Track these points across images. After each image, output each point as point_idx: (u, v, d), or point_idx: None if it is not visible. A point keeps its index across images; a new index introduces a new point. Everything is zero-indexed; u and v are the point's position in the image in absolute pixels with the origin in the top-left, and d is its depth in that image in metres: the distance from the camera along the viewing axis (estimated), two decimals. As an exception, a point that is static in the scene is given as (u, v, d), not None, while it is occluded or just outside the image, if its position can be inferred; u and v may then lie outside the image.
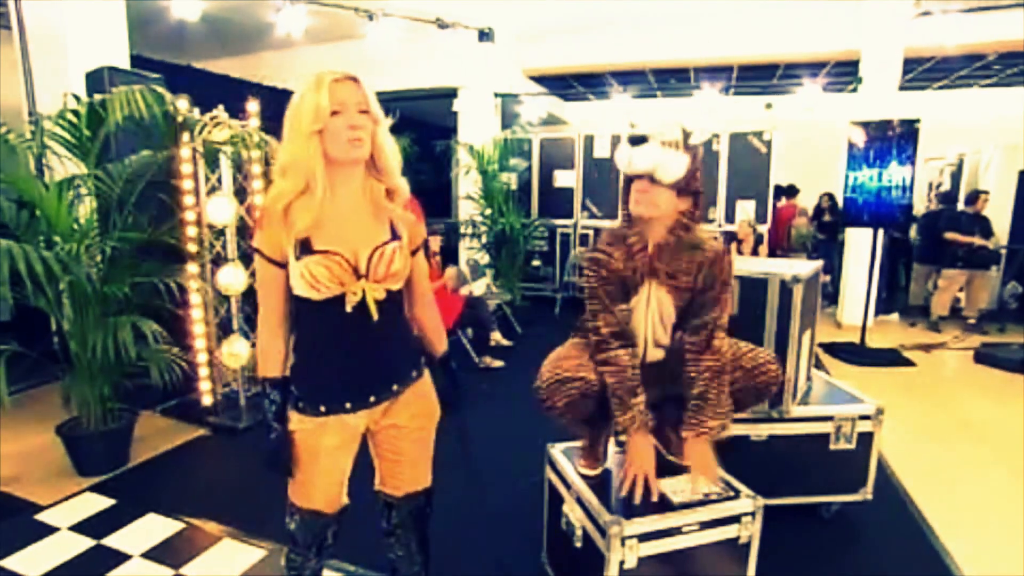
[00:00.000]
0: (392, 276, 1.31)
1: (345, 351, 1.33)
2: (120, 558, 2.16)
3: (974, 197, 6.11)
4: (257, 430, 3.23)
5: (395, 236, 1.32)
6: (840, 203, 5.43)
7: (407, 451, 1.47)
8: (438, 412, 1.51)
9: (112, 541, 2.26)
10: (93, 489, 2.65)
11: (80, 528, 2.35)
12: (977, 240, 5.81)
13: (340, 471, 1.43)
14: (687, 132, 1.64)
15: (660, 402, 1.86)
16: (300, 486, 1.42)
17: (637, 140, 1.62)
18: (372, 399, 1.37)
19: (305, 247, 1.24)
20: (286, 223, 1.24)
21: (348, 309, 1.27)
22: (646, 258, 1.67)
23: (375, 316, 1.29)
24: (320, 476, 1.40)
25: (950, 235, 5.88)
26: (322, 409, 1.34)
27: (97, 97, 2.74)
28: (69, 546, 2.23)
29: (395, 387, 1.39)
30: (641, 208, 1.62)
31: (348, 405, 1.35)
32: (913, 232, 6.89)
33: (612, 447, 1.94)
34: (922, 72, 7.13)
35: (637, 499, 1.59)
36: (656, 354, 1.79)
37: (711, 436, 1.68)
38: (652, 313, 1.72)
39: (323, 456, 1.37)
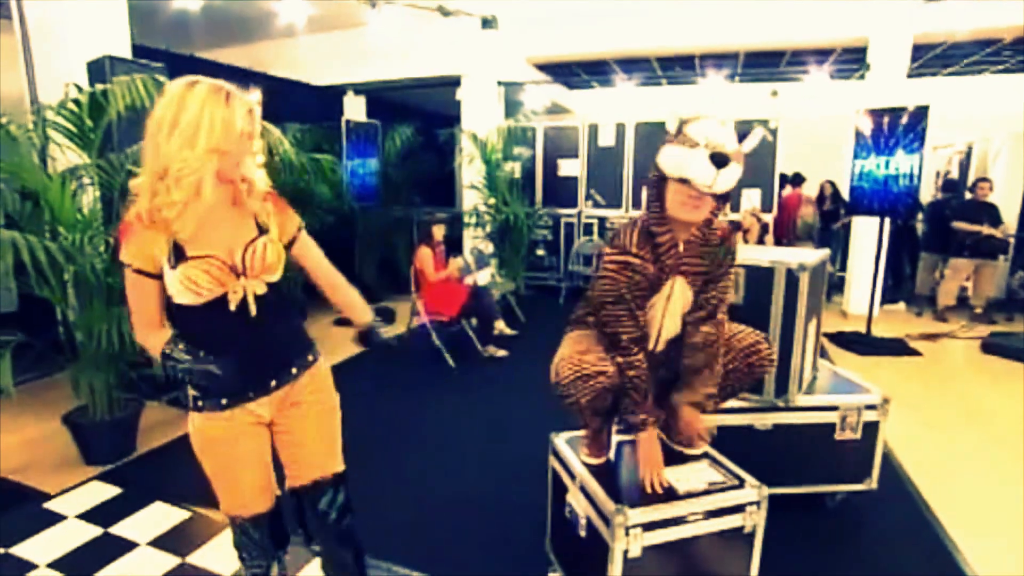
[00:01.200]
0: (268, 269, 1.33)
1: (236, 348, 1.32)
2: (127, 546, 2.18)
3: (974, 185, 6.05)
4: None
5: (261, 231, 1.34)
6: (845, 191, 5.38)
7: (309, 430, 1.44)
8: (336, 397, 1.51)
9: (119, 529, 2.28)
10: (100, 478, 2.67)
11: (87, 516, 2.37)
12: (985, 229, 5.75)
13: (262, 462, 1.43)
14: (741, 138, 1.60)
15: (662, 389, 1.85)
16: (231, 495, 1.42)
17: (722, 161, 1.50)
18: (273, 383, 1.38)
19: (179, 255, 1.24)
20: (161, 230, 1.22)
21: (232, 308, 1.29)
22: (676, 256, 1.65)
23: (253, 311, 1.31)
24: (246, 474, 1.40)
25: (958, 224, 5.82)
26: (224, 402, 1.34)
27: (99, 87, 2.73)
28: (77, 534, 2.25)
29: (293, 370, 1.41)
30: (692, 215, 1.58)
31: (251, 394, 1.36)
32: (920, 221, 6.84)
33: (615, 436, 1.94)
34: (931, 58, 7.01)
35: (658, 488, 1.63)
36: (665, 342, 1.78)
37: (703, 406, 1.75)
38: (672, 306, 1.70)
39: (241, 449, 1.37)
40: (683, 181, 1.54)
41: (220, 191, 1.29)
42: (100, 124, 2.75)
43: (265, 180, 1.38)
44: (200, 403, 1.34)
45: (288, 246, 1.41)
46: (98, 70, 3.28)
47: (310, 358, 1.45)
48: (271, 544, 1.49)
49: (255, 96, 1.32)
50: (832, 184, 7.46)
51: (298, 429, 1.44)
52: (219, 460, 1.38)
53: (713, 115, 1.61)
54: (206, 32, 6.41)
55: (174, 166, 1.19)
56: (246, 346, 1.34)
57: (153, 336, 1.32)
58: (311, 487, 1.46)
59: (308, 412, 1.44)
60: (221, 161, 1.23)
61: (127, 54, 3.80)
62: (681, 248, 1.65)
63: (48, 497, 2.51)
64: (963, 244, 5.83)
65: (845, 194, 7.29)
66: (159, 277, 1.26)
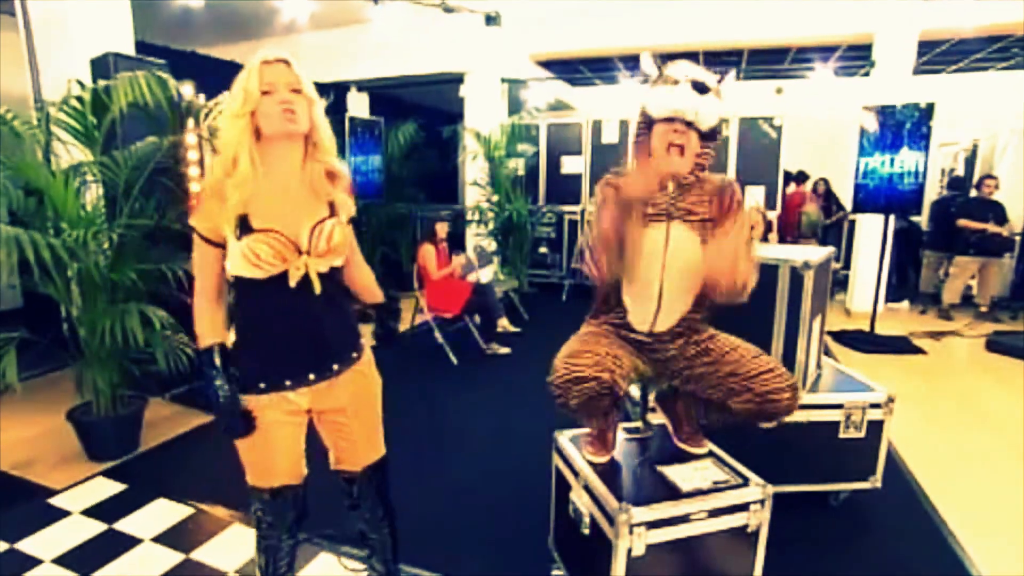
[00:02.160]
0: (333, 251, 1.34)
1: (287, 327, 1.35)
2: (131, 542, 2.18)
3: (980, 182, 6.02)
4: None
5: (333, 213, 1.36)
6: (848, 188, 5.35)
7: (357, 430, 1.50)
8: (379, 383, 1.55)
9: (123, 525, 2.29)
10: (104, 474, 2.68)
11: (92, 512, 2.37)
12: (991, 227, 5.72)
13: (294, 441, 1.44)
14: (719, 80, 1.65)
15: (673, 388, 1.84)
16: (258, 467, 1.43)
17: (703, 88, 1.57)
18: (312, 376, 1.38)
19: (244, 226, 1.26)
20: (221, 202, 1.26)
21: (292, 284, 1.30)
22: (667, 198, 1.66)
23: (318, 289, 1.32)
24: (276, 450, 1.41)
25: (963, 222, 5.79)
26: (262, 386, 1.35)
27: (101, 83, 2.73)
28: (81, 530, 2.26)
29: (334, 367, 1.41)
30: (679, 162, 1.61)
31: (288, 383, 1.37)
32: (924, 218, 6.80)
33: (620, 435, 1.94)
34: (937, 55, 6.97)
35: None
36: (669, 316, 1.73)
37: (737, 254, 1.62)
38: (672, 256, 1.67)
39: (273, 430, 1.38)
40: (669, 120, 1.60)
41: (289, 167, 1.32)
42: (103, 121, 2.75)
43: (344, 168, 1.41)
44: (240, 382, 1.35)
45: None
46: (101, 67, 3.29)
47: (354, 355, 1.45)
48: (287, 519, 1.50)
49: (274, 53, 1.29)
50: (825, 181, 7.43)
51: (346, 431, 1.48)
52: (251, 439, 1.38)
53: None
54: (209, 29, 6.42)
55: (218, 143, 1.31)
56: (298, 327, 1.35)
57: (213, 317, 1.35)
58: (362, 473, 1.54)
59: (353, 417, 1.47)
60: (258, 123, 1.27)
61: (130, 51, 3.80)
62: (671, 188, 1.66)
63: (52, 493, 2.52)
64: (968, 242, 5.80)
65: (838, 191, 7.30)
66: (221, 246, 1.30)
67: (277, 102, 1.25)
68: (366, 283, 1.56)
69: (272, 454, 1.41)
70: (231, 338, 1.38)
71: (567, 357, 1.69)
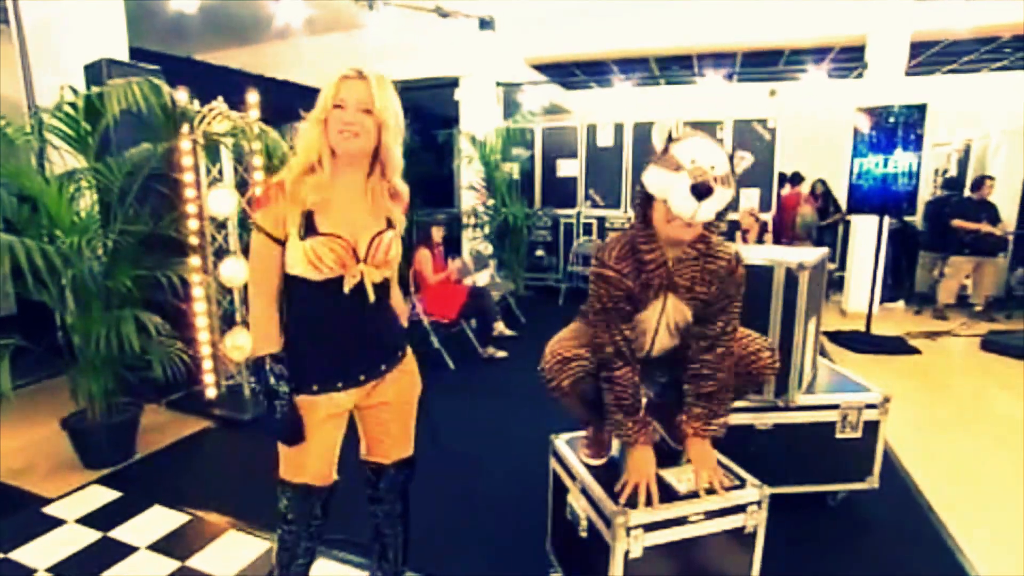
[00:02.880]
0: (388, 263, 1.41)
1: (340, 332, 1.40)
2: (126, 550, 2.17)
3: (979, 183, 6.04)
4: (260, 422, 3.24)
5: (390, 226, 1.43)
6: (842, 189, 5.38)
7: (394, 424, 1.56)
8: (420, 386, 1.61)
9: (118, 533, 2.27)
10: (99, 482, 2.66)
11: (86, 521, 2.36)
12: (984, 227, 5.75)
13: (331, 445, 1.48)
14: (733, 157, 1.55)
15: (668, 389, 1.85)
16: (292, 462, 1.45)
17: (704, 192, 1.43)
18: (362, 378, 1.45)
19: (310, 228, 1.31)
20: (293, 199, 1.31)
21: (346, 290, 1.34)
22: (665, 273, 1.60)
23: (371, 298, 1.38)
24: (312, 451, 1.43)
25: (957, 222, 5.82)
26: (314, 388, 1.39)
27: (94, 90, 2.72)
28: (76, 539, 2.24)
29: (383, 367, 1.48)
30: (680, 233, 1.51)
31: (339, 384, 1.41)
32: (919, 219, 6.83)
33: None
34: (930, 56, 7.02)
35: (641, 501, 1.55)
36: (660, 352, 1.76)
37: (715, 435, 1.69)
38: (665, 321, 1.68)
39: (315, 431, 1.41)
40: (650, 196, 1.53)
41: (354, 180, 1.37)
42: (97, 127, 2.74)
43: (406, 191, 1.48)
44: (293, 383, 1.37)
45: None
46: (95, 73, 3.28)
47: (400, 355, 1.53)
48: (311, 517, 1.51)
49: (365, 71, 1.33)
50: (823, 183, 7.46)
51: (386, 424, 1.55)
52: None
53: (703, 135, 1.54)
54: (204, 34, 6.42)
55: (298, 142, 1.36)
56: (349, 332, 1.41)
57: (271, 320, 1.37)
58: (391, 466, 1.61)
59: (394, 411, 1.55)
60: (326, 132, 1.31)
61: (125, 57, 3.79)
62: (671, 264, 1.60)
63: (47, 501, 2.50)
64: (963, 242, 5.83)
65: (836, 192, 7.32)
66: (283, 243, 1.33)
67: (341, 120, 1.30)
68: (397, 303, 1.58)
69: (308, 451, 1.43)
70: (281, 341, 1.40)
71: (553, 343, 1.77)
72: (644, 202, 1.57)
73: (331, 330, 1.40)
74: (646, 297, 1.63)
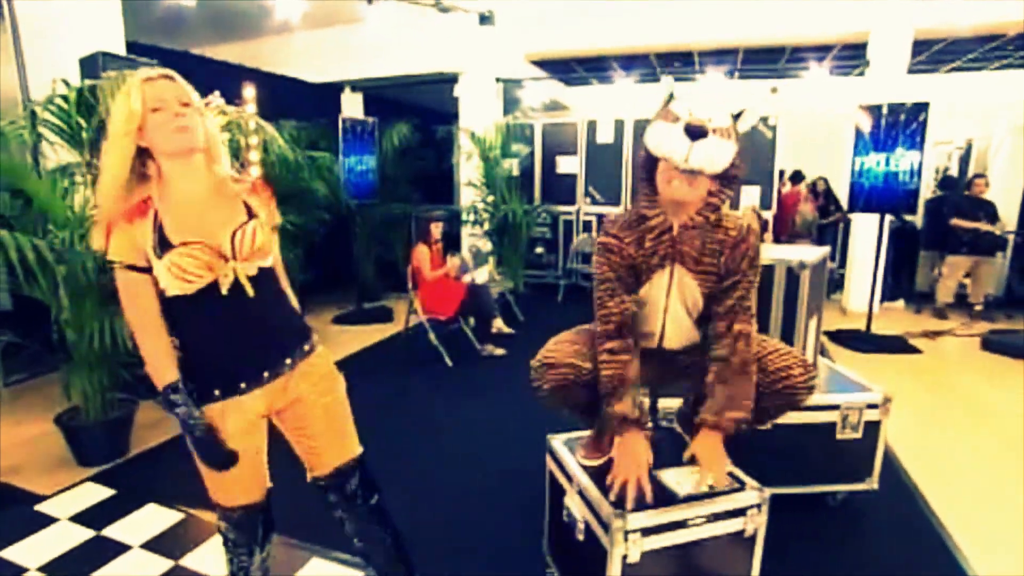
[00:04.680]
0: (258, 252, 1.32)
1: (229, 334, 1.32)
2: (120, 549, 2.15)
3: (971, 181, 6.04)
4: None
5: (251, 215, 1.33)
6: (843, 187, 5.35)
7: (316, 424, 1.42)
8: (339, 378, 1.49)
9: (112, 532, 2.25)
10: (93, 479, 2.64)
11: (80, 519, 2.34)
12: (983, 225, 5.73)
13: (253, 456, 1.40)
14: (736, 116, 1.51)
15: (693, 394, 1.81)
16: (220, 485, 1.39)
17: (696, 133, 1.42)
18: (266, 375, 1.35)
19: (164, 243, 1.23)
20: (130, 223, 1.23)
21: (224, 292, 1.27)
22: (670, 241, 1.57)
23: (251, 292, 1.30)
24: (240, 467, 1.36)
25: (955, 221, 5.80)
26: (216, 393, 1.32)
27: (87, 83, 2.69)
28: (69, 537, 2.22)
29: (288, 360, 1.37)
30: (681, 192, 1.49)
31: (243, 385, 1.33)
32: (920, 218, 6.81)
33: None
34: (932, 54, 6.98)
35: (629, 503, 1.51)
36: (676, 341, 1.72)
37: (725, 430, 1.58)
38: (675, 299, 1.64)
39: (231, 444, 1.33)
40: (654, 158, 1.52)
41: (195, 179, 1.29)
42: (91, 121, 2.71)
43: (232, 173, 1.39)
44: (194, 395, 1.31)
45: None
46: (91, 66, 3.25)
47: (306, 347, 1.42)
48: (257, 535, 1.48)
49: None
50: (825, 180, 7.43)
51: (307, 425, 1.42)
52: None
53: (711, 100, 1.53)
54: (201, 28, 6.37)
55: (102, 166, 1.27)
56: (239, 332, 1.32)
57: (163, 350, 1.29)
58: (333, 475, 1.46)
59: (313, 408, 1.42)
60: (149, 142, 1.24)
61: (121, 50, 3.76)
62: (675, 231, 1.57)
63: (40, 499, 2.48)
64: (961, 241, 5.81)
65: (837, 191, 7.30)
66: (149, 270, 1.25)
67: (168, 119, 1.22)
68: (288, 291, 1.49)
69: (231, 470, 1.35)
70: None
71: (551, 343, 1.73)
72: (647, 164, 1.56)
73: (221, 335, 1.32)
74: (650, 267, 1.60)
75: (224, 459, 1.32)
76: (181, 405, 1.27)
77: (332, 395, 1.45)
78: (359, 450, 1.51)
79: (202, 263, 1.24)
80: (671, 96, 1.53)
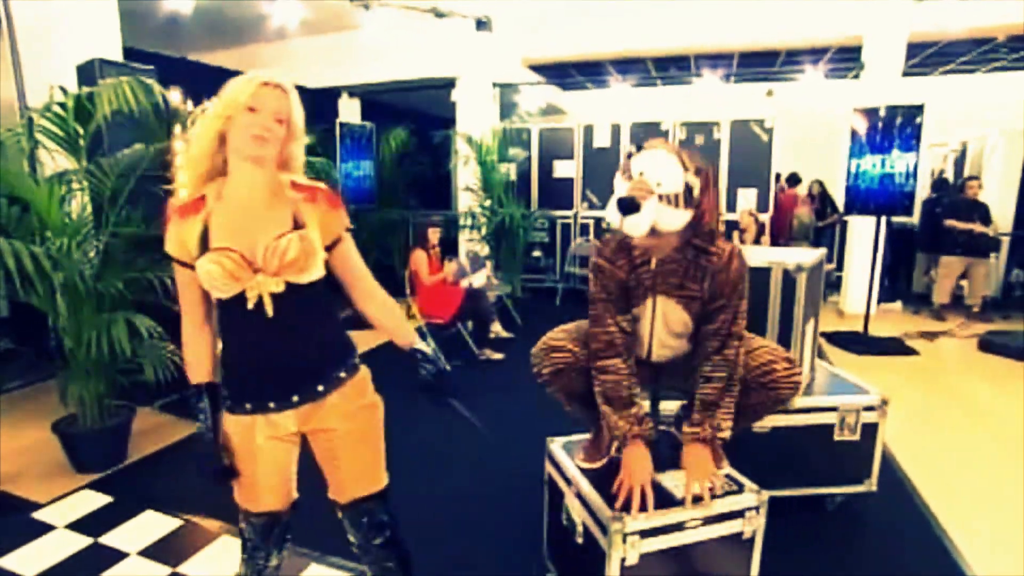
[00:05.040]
0: (288, 267, 1.23)
1: (257, 349, 1.29)
2: (117, 556, 2.14)
3: (963, 184, 6.07)
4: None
5: (297, 226, 1.26)
6: (840, 190, 5.37)
7: (343, 455, 1.38)
8: (377, 407, 1.43)
9: (109, 539, 2.24)
10: (90, 486, 2.63)
11: (77, 526, 2.33)
12: (977, 227, 5.75)
13: (282, 468, 1.38)
14: (694, 169, 1.47)
15: (685, 399, 1.83)
16: (245, 489, 1.38)
17: (626, 208, 1.43)
18: (295, 399, 1.31)
19: (205, 245, 1.22)
20: (184, 221, 1.24)
21: (249, 306, 1.24)
22: (649, 273, 1.61)
23: (269, 311, 1.24)
24: (262, 475, 1.36)
25: (949, 222, 5.83)
26: (248, 407, 1.31)
27: (85, 90, 2.69)
28: (66, 544, 2.21)
29: (319, 387, 1.32)
30: (645, 244, 1.55)
31: (272, 404, 1.31)
32: (916, 219, 6.83)
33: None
34: (926, 57, 7.03)
35: (634, 510, 1.52)
36: (664, 356, 1.75)
37: (703, 440, 1.63)
38: (659, 324, 1.67)
39: (260, 454, 1.32)
40: None
41: (254, 184, 1.25)
42: (88, 128, 2.71)
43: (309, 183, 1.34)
44: (228, 403, 1.32)
45: (330, 248, 1.30)
46: (88, 73, 3.25)
47: (342, 375, 1.34)
48: (278, 540, 1.46)
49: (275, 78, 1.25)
50: (820, 184, 7.47)
51: (335, 456, 1.38)
52: (241, 457, 1.35)
53: (668, 147, 1.50)
54: (199, 35, 6.39)
55: (195, 140, 1.26)
56: (265, 349, 1.28)
57: (197, 350, 1.31)
58: (351, 504, 1.42)
59: (344, 439, 1.36)
60: (225, 126, 1.22)
61: (118, 57, 3.77)
62: (653, 265, 1.60)
63: (37, 507, 2.47)
64: (956, 242, 5.83)
65: (833, 193, 7.33)
66: (193, 267, 1.24)
67: (255, 123, 1.20)
68: (379, 317, 1.40)
69: (258, 477, 1.36)
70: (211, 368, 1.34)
71: (551, 332, 1.80)
72: None
73: (250, 348, 1.29)
74: (638, 294, 1.64)
75: (217, 476, 1.31)
76: (200, 412, 1.28)
77: (365, 427, 1.39)
78: (383, 484, 1.45)
79: (227, 272, 1.20)
80: (634, 151, 1.53)
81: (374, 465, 1.44)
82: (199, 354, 1.32)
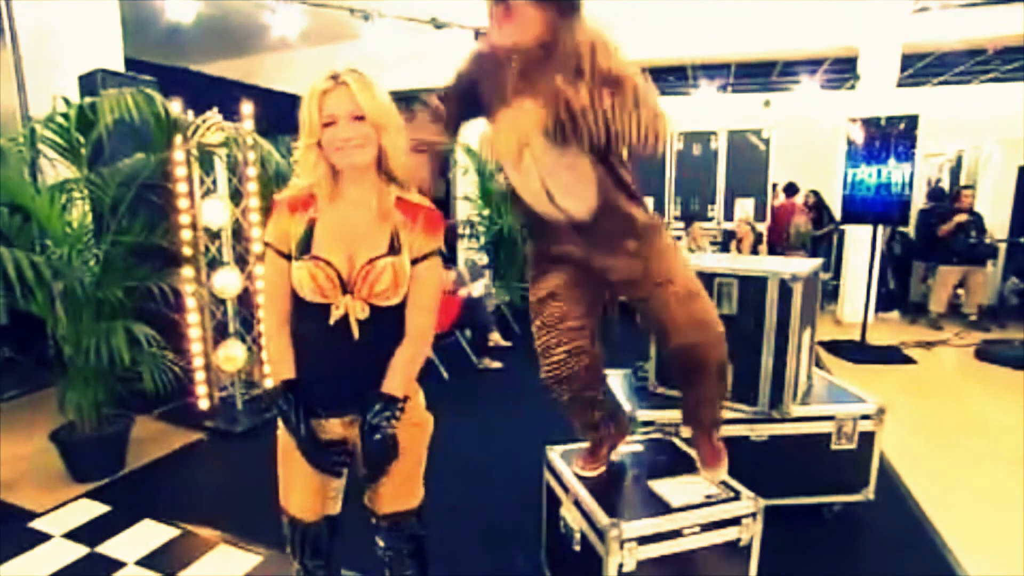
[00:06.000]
0: (378, 295, 1.23)
1: (324, 360, 1.28)
2: (114, 566, 2.13)
3: (957, 194, 6.12)
4: (253, 434, 3.22)
5: (393, 250, 1.24)
6: (836, 199, 5.41)
7: (388, 474, 1.35)
8: (425, 430, 1.42)
9: (106, 548, 2.24)
10: (88, 495, 2.63)
11: (74, 536, 2.32)
12: (960, 217, 5.75)
13: (316, 478, 1.35)
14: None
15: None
16: (283, 486, 1.40)
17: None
18: (348, 419, 1.32)
19: (305, 247, 1.23)
20: (292, 216, 1.25)
21: (331, 322, 1.23)
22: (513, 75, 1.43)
23: (356, 335, 1.24)
24: (295, 479, 1.36)
25: (942, 229, 5.86)
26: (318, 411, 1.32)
27: (87, 100, 2.72)
28: (62, 554, 2.20)
29: (382, 409, 1.29)
30: (505, 35, 1.37)
31: (320, 411, 1.31)
32: (912, 229, 6.87)
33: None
34: (921, 68, 7.10)
35: None
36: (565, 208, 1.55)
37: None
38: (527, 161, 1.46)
39: (298, 459, 1.31)
40: None
41: (361, 193, 1.24)
42: (89, 138, 2.74)
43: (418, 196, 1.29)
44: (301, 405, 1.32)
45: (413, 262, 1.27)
46: (90, 83, 3.28)
47: (400, 405, 1.30)
48: (311, 553, 1.46)
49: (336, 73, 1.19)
50: (816, 194, 7.51)
51: None
52: (281, 456, 1.37)
53: None
54: (200, 45, 6.44)
55: (299, 158, 1.27)
56: (334, 364, 1.28)
57: (275, 336, 1.29)
58: (384, 518, 1.43)
59: None
60: (323, 153, 1.21)
61: (120, 67, 3.80)
62: (515, 65, 1.42)
63: (34, 516, 2.46)
64: (952, 251, 5.86)
65: (829, 203, 7.37)
66: (290, 259, 1.25)
67: (337, 137, 1.18)
68: (397, 356, 1.30)
69: (291, 481, 1.37)
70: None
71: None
72: None
73: (317, 357, 1.29)
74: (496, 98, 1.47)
75: (327, 461, 1.30)
76: (284, 409, 1.27)
77: (408, 443, 1.35)
78: (417, 502, 1.45)
79: (317, 285, 1.21)
80: None
81: (411, 481, 1.43)
82: (282, 351, 1.29)
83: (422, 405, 1.42)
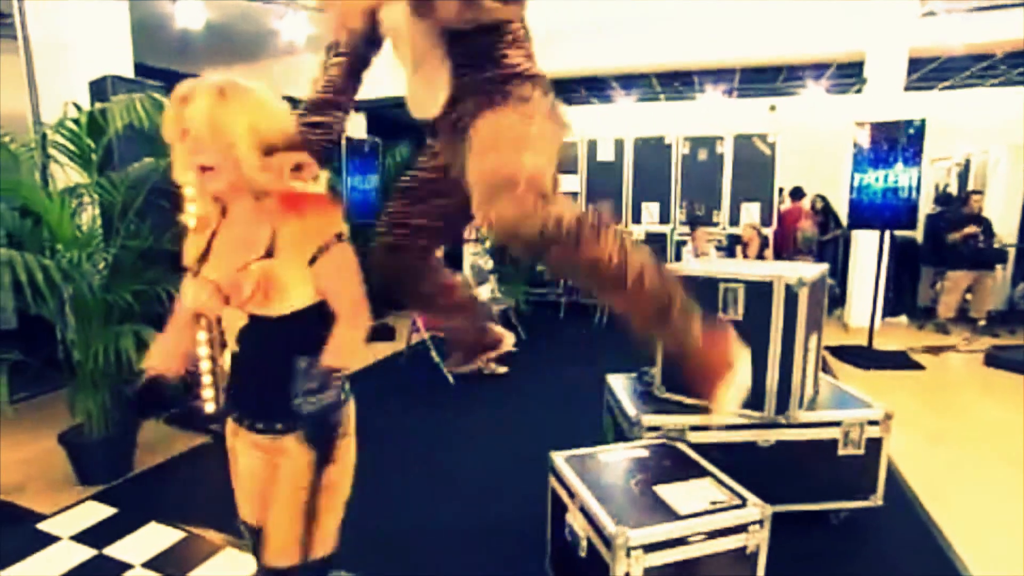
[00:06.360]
0: (246, 303, 1.12)
1: (233, 368, 1.30)
2: (122, 567, 2.14)
3: (966, 198, 6.08)
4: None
5: (269, 253, 1.12)
6: (843, 204, 5.39)
7: (271, 504, 1.25)
8: (299, 478, 1.21)
9: (113, 550, 2.25)
10: (95, 498, 2.64)
11: (81, 538, 2.33)
12: (971, 228, 5.72)
13: (253, 478, 1.31)
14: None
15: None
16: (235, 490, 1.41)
17: None
18: (260, 426, 1.25)
19: (203, 260, 1.22)
20: (197, 235, 1.27)
21: (227, 337, 1.26)
22: None
23: (231, 346, 1.21)
24: (239, 478, 1.37)
25: (952, 236, 5.83)
26: (235, 414, 1.34)
27: (97, 106, 2.75)
28: (70, 556, 2.21)
29: (259, 425, 1.24)
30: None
31: (233, 415, 1.34)
32: (920, 233, 6.84)
33: (617, 455, 1.91)
34: (927, 72, 7.07)
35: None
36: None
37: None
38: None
39: (234, 455, 1.35)
40: None
41: (243, 202, 1.18)
42: (100, 143, 2.77)
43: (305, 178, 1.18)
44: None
45: (311, 260, 1.14)
46: (100, 89, 3.31)
47: (279, 427, 1.21)
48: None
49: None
50: (823, 198, 7.49)
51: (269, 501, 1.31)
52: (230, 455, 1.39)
53: None
54: (209, 51, 6.49)
55: None
56: (236, 373, 1.30)
57: (165, 339, 1.36)
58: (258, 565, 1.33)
59: (268, 487, 1.28)
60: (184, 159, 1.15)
61: (130, 73, 3.83)
62: None
63: (42, 518, 2.48)
64: (961, 255, 5.83)
65: (836, 208, 7.35)
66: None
67: (191, 149, 1.11)
68: (335, 338, 1.19)
69: (237, 479, 1.38)
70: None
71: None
72: None
73: (232, 363, 1.30)
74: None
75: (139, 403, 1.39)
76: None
77: (282, 496, 1.22)
78: (277, 562, 1.24)
79: (197, 301, 1.17)
80: None
81: (282, 535, 1.23)
82: (168, 342, 1.36)
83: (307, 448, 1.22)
